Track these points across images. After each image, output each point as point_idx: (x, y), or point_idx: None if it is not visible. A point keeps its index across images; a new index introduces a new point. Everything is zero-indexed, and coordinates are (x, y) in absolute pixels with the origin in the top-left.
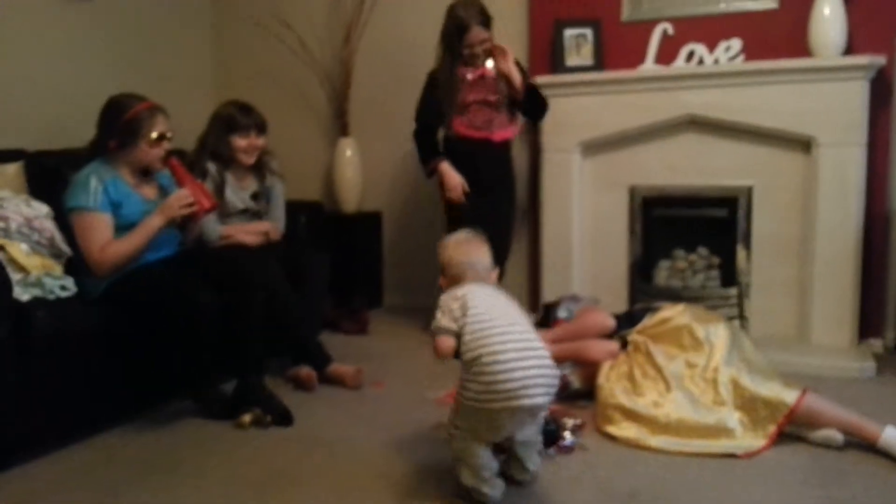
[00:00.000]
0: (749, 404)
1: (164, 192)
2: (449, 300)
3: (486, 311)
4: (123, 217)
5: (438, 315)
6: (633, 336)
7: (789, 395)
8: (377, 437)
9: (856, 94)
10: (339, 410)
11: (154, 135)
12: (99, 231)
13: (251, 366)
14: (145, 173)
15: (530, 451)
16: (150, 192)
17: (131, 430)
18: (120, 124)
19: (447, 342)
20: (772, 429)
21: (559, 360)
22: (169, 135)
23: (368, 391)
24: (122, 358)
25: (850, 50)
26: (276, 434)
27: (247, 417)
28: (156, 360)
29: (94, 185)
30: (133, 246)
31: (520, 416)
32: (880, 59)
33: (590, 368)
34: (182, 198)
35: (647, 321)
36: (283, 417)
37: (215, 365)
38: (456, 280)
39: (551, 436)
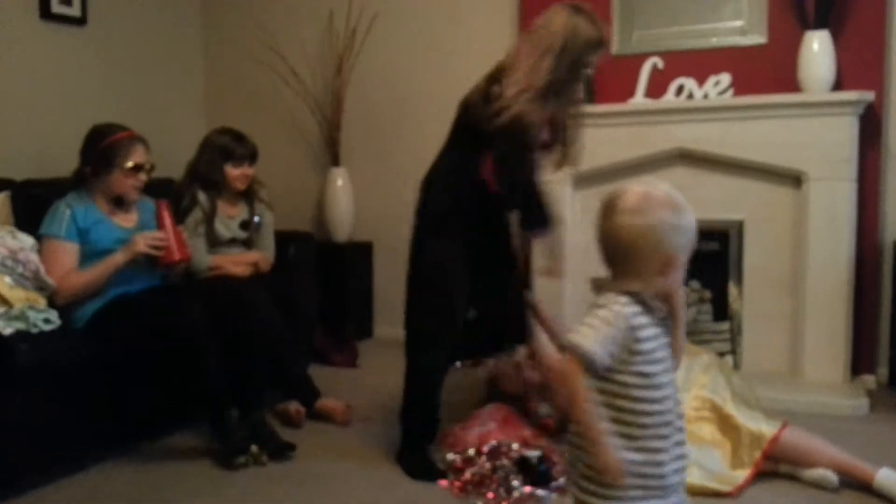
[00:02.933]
0: (733, 432)
1: (142, 223)
2: (614, 316)
3: (660, 355)
4: (93, 243)
5: (587, 328)
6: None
7: (772, 425)
8: (366, 475)
9: (845, 130)
10: (328, 448)
11: (129, 164)
12: (62, 259)
13: (255, 399)
14: (119, 202)
15: None
16: (126, 220)
17: (117, 467)
18: (97, 151)
19: (578, 376)
20: (757, 455)
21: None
22: (148, 166)
23: (357, 427)
24: (108, 391)
25: (838, 85)
26: (263, 472)
27: (241, 459)
28: (145, 392)
29: (63, 213)
30: (93, 278)
31: None
32: (869, 95)
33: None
34: (152, 238)
35: None
36: (286, 450)
37: (221, 388)
38: (667, 267)
39: (543, 476)
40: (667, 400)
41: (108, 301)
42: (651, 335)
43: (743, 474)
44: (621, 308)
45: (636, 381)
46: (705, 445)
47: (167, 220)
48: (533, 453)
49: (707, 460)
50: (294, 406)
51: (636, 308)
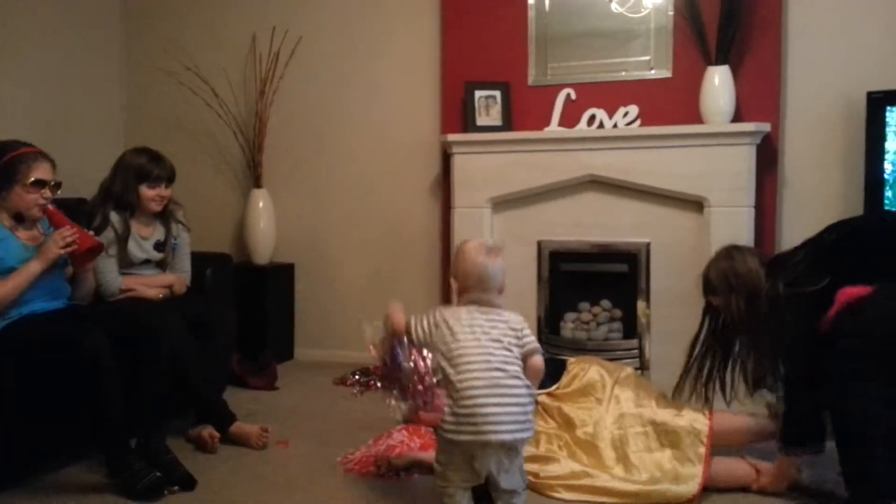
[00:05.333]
0: (672, 437)
1: (46, 239)
2: (426, 319)
3: (463, 338)
4: None
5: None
6: (542, 398)
7: (703, 417)
8: (282, 501)
9: (743, 159)
10: (242, 473)
11: (31, 179)
12: None
13: (153, 426)
14: (20, 219)
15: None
16: (30, 237)
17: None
18: None
19: (401, 319)
20: (702, 451)
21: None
22: (52, 183)
23: (273, 452)
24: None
25: (738, 117)
26: (173, 500)
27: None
28: (41, 421)
29: None
30: (6, 291)
31: (490, 451)
32: (766, 126)
33: None
34: (60, 236)
35: (563, 380)
36: (186, 483)
37: (120, 418)
38: (465, 289)
39: None
40: None
41: (8, 322)
42: None
43: (697, 472)
44: None
45: None
46: (648, 458)
47: (60, 216)
48: None
49: (656, 471)
50: (208, 431)
51: None
